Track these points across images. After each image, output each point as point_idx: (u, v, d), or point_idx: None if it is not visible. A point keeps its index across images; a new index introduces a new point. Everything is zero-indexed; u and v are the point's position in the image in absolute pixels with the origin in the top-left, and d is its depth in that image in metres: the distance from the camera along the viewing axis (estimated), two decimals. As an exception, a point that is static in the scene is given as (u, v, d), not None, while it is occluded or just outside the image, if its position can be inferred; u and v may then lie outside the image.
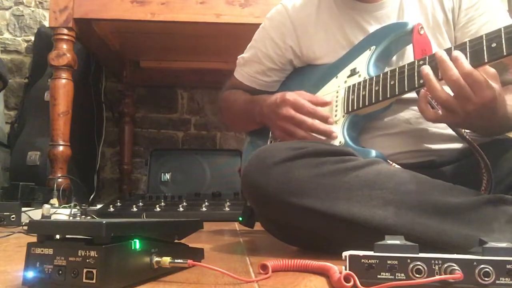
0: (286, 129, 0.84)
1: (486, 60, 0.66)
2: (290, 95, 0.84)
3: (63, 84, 1.54)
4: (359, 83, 0.84)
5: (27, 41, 2.29)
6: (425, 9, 0.89)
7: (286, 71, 1.02)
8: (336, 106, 0.87)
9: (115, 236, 0.43)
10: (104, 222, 0.42)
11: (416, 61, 0.75)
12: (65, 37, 1.54)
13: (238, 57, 1.07)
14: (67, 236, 0.45)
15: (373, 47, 0.86)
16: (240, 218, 1.02)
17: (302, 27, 0.96)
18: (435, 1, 0.89)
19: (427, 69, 0.70)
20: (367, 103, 0.81)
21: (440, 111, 0.71)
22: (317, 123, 0.82)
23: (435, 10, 0.89)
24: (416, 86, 0.74)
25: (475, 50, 0.67)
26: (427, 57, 0.73)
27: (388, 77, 0.78)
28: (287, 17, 0.97)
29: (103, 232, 0.41)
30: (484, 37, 0.67)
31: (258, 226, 0.82)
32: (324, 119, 0.82)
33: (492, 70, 0.67)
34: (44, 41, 2.05)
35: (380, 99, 0.79)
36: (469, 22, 0.88)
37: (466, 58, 0.67)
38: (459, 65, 0.66)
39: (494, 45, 0.65)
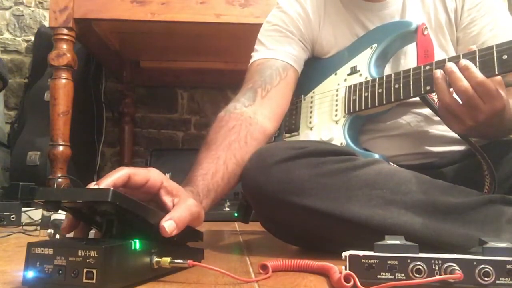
0: None
1: (496, 72, 0.65)
2: None
3: (63, 84, 1.54)
4: (360, 84, 0.83)
5: (27, 41, 2.28)
6: (428, 9, 0.89)
7: (306, 51, 0.93)
8: (337, 105, 0.86)
9: (118, 213, 0.42)
10: (111, 188, 0.42)
11: (422, 67, 0.73)
12: (65, 37, 1.53)
13: (253, 52, 0.93)
14: (73, 204, 0.45)
15: (374, 45, 0.85)
16: (236, 214, 1.02)
17: (314, 19, 0.93)
18: (438, 2, 0.89)
19: (439, 73, 0.69)
20: (369, 105, 0.80)
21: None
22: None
23: (438, 11, 0.89)
24: (422, 92, 0.73)
25: (485, 61, 0.66)
26: (433, 63, 0.72)
27: (392, 80, 0.77)
28: (300, 7, 0.94)
29: (109, 197, 0.42)
30: (494, 48, 0.66)
31: (258, 226, 0.82)
32: None
33: (498, 77, 0.67)
34: (44, 41, 2.05)
35: (384, 102, 0.78)
36: (471, 23, 0.87)
37: (476, 67, 0.66)
38: (470, 74, 0.65)
39: (505, 57, 0.64)
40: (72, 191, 0.47)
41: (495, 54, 0.65)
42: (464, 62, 0.67)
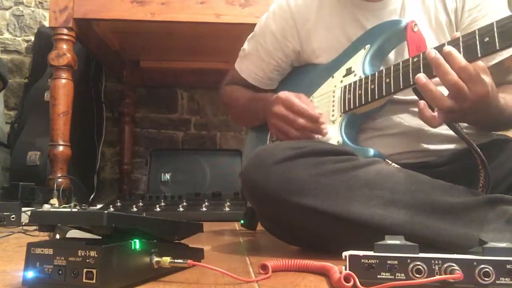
0: (280, 127, 0.84)
1: (479, 55, 0.66)
2: (284, 93, 0.84)
3: (63, 84, 1.54)
4: (354, 83, 0.84)
5: (27, 41, 2.29)
6: (428, 10, 0.89)
7: (285, 70, 1.02)
8: (333, 106, 0.87)
9: (116, 229, 0.43)
10: (105, 212, 0.42)
11: (411, 59, 0.75)
12: (65, 37, 1.54)
13: (242, 48, 1.07)
14: (69, 225, 0.45)
15: (367, 46, 0.86)
16: (242, 221, 1.02)
17: (303, 24, 0.95)
18: (438, 2, 0.89)
19: (422, 77, 0.69)
20: (363, 102, 0.81)
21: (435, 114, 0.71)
22: (307, 123, 0.81)
23: (438, 12, 0.89)
24: (411, 83, 0.74)
25: (468, 45, 0.67)
26: (421, 54, 0.73)
27: (384, 75, 0.78)
28: (289, 13, 0.97)
29: (104, 221, 0.41)
30: (476, 32, 0.67)
31: (258, 226, 0.82)
32: (314, 119, 0.81)
33: (482, 64, 0.68)
34: (44, 41, 2.05)
35: (376, 97, 0.79)
36: (472, 23, 0.87)
37: (460, 53, 0.67)
38: (454, 59, 0.66)
39: (487, 39, 0.65)
40: (67, 214, 0.47)
41: (477, 38, 0.67)
42: (447, 48, 0.67)
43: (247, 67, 1.04)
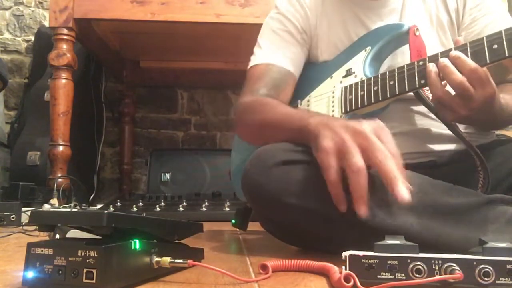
0: (342, 146, 0.60)
1: (488, 61, 0.67)
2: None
3: (63, 84, 1.54)
4: (356, 84, 0.84)
5: (27, 41, 2.29)
6: (429, 8, 0.89)
7: (305, 50, 0.95)
8: (333, 106, 0.87)
9: (116, 229, 0.43)
10: (105, 212, 0.42)
11: (416, 62, 0.75)
12: (65, 37, 1.54)
13: (256, 48, 0.97)
14: (69, 226, 0.45)
15: (368, 48, 0.86)
16: (233, 221, 1.02)
17: (311, 17, 0.95)
18: (439, 1, 0.90)
19: (432, 66, 0.71)
20: (366, 103, 0.81)
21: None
22: (390, 162, 0.58)
23: (439, 11, 0.89)
24: (417, 86, 0.74)
25: (476, 51, 0.69)
26: (427, 59, 0.74)
27: (387, 77, 0.79)
28: (299, 6, 0.95)
29: (104, 221, 0.41)
30: (485, 39, 0.68)
31: (258, 226, 0.82)
32: (397, 167, 0.58)
33: (485, 68, 0.69)
34: (44, 41, 2.05)
35: (380, 99, 0.79)
36: (472, 23, 0.88)
37: (467, 56, 0.68)
38: (463, 63, 0.67)
39: (495, 46, 0.67)
40: (67, 214, 0.47)
41: (485, 44, 0.68)
42: (454, 52, 0.69)
43: (272, 49, 0.93)
